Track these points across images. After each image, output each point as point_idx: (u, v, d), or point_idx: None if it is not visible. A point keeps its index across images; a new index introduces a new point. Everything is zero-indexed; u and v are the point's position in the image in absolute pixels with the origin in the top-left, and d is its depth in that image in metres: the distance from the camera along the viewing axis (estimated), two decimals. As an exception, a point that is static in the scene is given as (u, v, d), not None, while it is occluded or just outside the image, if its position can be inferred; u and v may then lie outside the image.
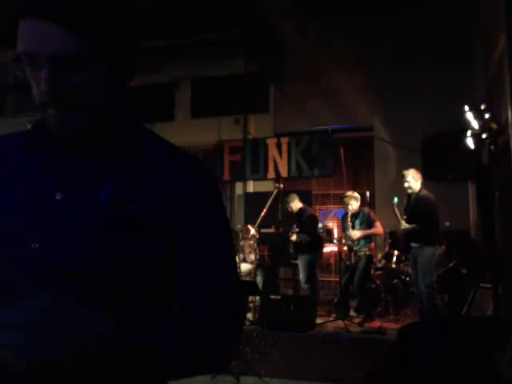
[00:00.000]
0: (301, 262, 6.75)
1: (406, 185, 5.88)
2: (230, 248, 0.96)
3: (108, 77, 0.86)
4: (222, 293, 0.90)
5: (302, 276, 6.76)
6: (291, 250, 6.96)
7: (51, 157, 0.89)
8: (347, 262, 6.41)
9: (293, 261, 7.29)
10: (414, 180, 5.84)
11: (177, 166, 0.92)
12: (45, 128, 0.89)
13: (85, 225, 0.83)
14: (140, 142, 0.93)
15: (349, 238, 6.37)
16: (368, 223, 6.38)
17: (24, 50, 0.82)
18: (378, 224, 6.42)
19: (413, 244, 5.76)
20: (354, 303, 6.66)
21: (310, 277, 6.69)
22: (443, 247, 6.46)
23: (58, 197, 0.85)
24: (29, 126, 0.94)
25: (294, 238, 6.68)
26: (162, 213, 0.87)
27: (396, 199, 6.00)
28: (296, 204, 6.87)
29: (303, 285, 6.73)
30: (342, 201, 6.69)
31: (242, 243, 7.02)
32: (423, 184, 5.91)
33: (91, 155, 0.89)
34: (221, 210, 0.96)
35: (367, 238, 6.41)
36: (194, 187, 0.91)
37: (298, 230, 6.73)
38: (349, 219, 6.43)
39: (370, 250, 6.40)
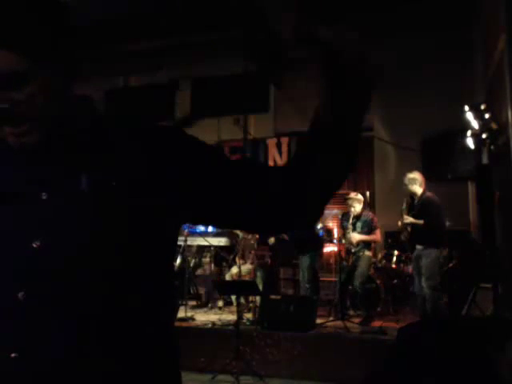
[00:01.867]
0: (302, 262, 6.74)
1: (409, 190, 5.83)
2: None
3: (53, 87, 0.87)
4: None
5: (303, 276, 6.75)
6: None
7: (23, 162, 0.91)
8: (343, 263, 6.40)
9: (294, 261, 7.29)
10: (414, 184, 5.77)
11: (143, 130, 0.94)
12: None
13: (77, 214, 0.85)
14: (108, 129, 0.95)
15: (348, 240, 6.36)
16: (369, 228, 6.35)
17: None
18: (377, 232, 6.40)
19: (417, 246, 5.74)
20: (353, 303, 6.65)
21: (312, 277, 6.69)
22: (447, 250, 6.43)
23: (44, 197, 0.86)
24: None
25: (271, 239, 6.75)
26: (151, 179, 0.88)
27: (404, 205, 5.97)
28: None
29: (304, 285, 6.73)
30: (345, 202, 6.66)
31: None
32: (425, 186, 5.85)
33: (62, 153, 0.90)
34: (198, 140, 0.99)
35: (366, 242, 6.38)
36: (168, 139, 0.94)
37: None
38: (350, 221, 6.40)
39: (369, 251, 6.38)
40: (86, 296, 0.82)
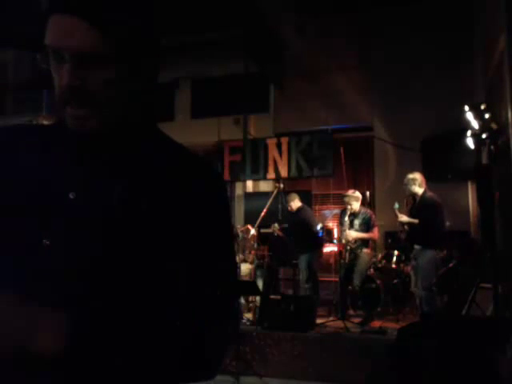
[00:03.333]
0: (301, 262, 6.75)
1: (409, 191, 5.81)
2: (231, 253, 0.98)
3: (130, 76, 0.86)
4: (217, 297, 0.90)
5: (302, 276, 6.76)
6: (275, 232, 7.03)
7: (65, 156, 0.90)
8: (341, 261, 6.40)
9: (294, 261, 7.28)
10: (413, 185, 5.76)
11: (189, 168, 0.93)
12: (60, 128, 0.90)
13: (97, 224, 0.84)
14: (153, 143, 0.94)
15: (344, 236, 6.36)
16: (367, 226, 6.35)
17: (50, 43, 0.83)
18: (375, 229, 6.40)
19: (415, 246, 5.73)
20: (353, 303, 6.65)
21: (311, 276, 6.69)
22: (445, 251, 6.42)
23: (71, 196, 0.86)
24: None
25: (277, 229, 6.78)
26: (173, 214, 0.88)
27: (397, 205, 5.95)
28: (296, 203, 6.87)
29: (303, 284, 6.73)
30: (342, 200, 6.66)
31: (241, 243, 7.03)
32: (427, 186, 5.83)
33: (104, 155, 0.90)
34: (227, 213, 0.97)
35: (365, 240, 6.38)
36: (206, 189, 0.92)
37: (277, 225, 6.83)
38: (346, 217, 6.40)
39: (367, 248, 6.38)
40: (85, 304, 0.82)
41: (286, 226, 6.88)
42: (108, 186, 0.86)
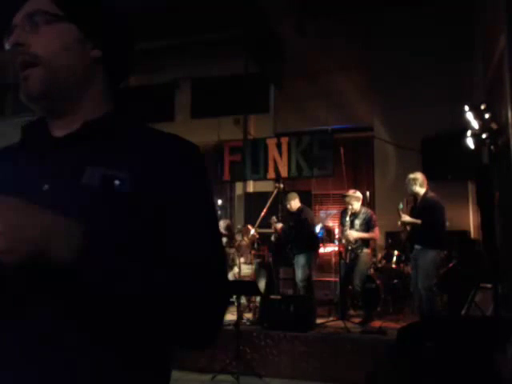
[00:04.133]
0: (298, 261, 6.73)
1: (410, 191, 5.80)
2: (214, 227, 0.95)
3: (77, 43, 0.91)
4: (202, 273, 0.87)
5: (298, 275, 6.75)
6: (272, 239, 6.96)
7: (39, 152, 0.92)
8: (342, 261, 6.39)
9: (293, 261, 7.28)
10: (416, 184, 5.74)
11: (163, 145, 0.93)
12: (33, 127, 0.95)
13: (71, 208, 0.84)
14: (127, 128, 0.95)
15: (345, 236, 6.35)
16: (368, 226, 6.34)
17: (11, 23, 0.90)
18: (376, 229, 6.38)
19: (416, 246, 5.73)
20: (353, 303, 6.66)
21: (306, 276, 6.71)
22: (445, 252, 6.40)
23: (45, 187, 0.87)
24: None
25: (279, 226, 6.73)
26: (148, 188, 0.87)
27: (401, 205, 5.94)
28: (296, 203, 6.86)
29: (298, 283, 6.74)
30: (343, 200, 6.65)
31: (241, 243, 7.02)
32: (428, 186, 5.82)
33: (77, 146, 0.91)
34: (206, 187, 0.96)
35: (365, 240, 6.37)
36: (181, 163, 0.92)
37: (278, 222, 6.80)
38: (347, 217, 6.39)
39: (368, 248, 6.38)
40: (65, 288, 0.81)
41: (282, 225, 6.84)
42: (80, 171, 0.87)
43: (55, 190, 0.87)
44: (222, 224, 7.68)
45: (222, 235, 0.95)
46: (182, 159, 0.92)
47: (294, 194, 6.91)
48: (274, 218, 6.91)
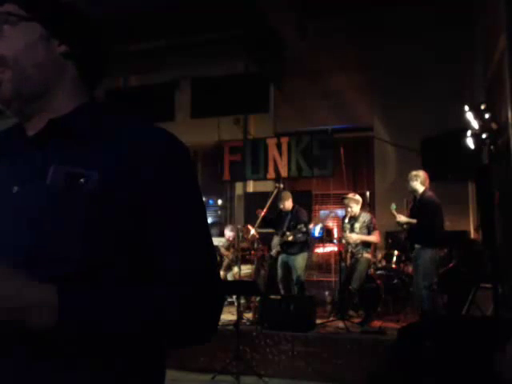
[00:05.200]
0: (293, 262, 6.71)
1: (410, 187, 5.81)
2: (202, 226, 0.93)
3: (43, 41, 0.91)
4: (188, 280, 0.86)
5: (295, 275, 6.74)
6: (278, 249, 6.86)
7: (12, 153, 0.93)
8: (342, 264, 6.39)
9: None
10: (415, 181, 5.75)
11: (142, 141, 0.89)
12: (10, 130, 0.96)
13: (37, 209, 0.84)
14: (101, 125, 0.92)
15: (345, 239, 6.34)
16: (368, 229, 6.33)
17: None
18: (376, 233, 6.36)
19: (416, 245, 5.73)
20: (353, 303, 6.65)
21: (300, 276, 6.71)
22: (445, 250, 6.41)
23: (14, 190, 0.87)
24: None
25: (291, 238, 6.62)
26: (121, 187, 0.85)
27: (394, 206, 5.94)
28: (289, 203, 6.83)
29: (294, 284, 6.73)
30: (342, 201, 6.64)
31: (241, 244, 7.01)
32: (429, 186, 5.82)
33: (45, 145, 0.90)
34: (191, 183, 0.93)
35: (366, 244, 6.36)
36: (161, 161, 0.88)
37: (287, 231, 6.70)
38: (346, 221, 6.40)
39: (368, 253, 6.36)
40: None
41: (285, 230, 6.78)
42: (45, 171, 0.86)
43: (24, 191, 0.86)
44: (229, 232, 7.68)
45: (210, 235, 0.92)
46: (164, 158, 0.89)
47: (288, 194, 6.89)
48: (259, 210, 6.86)
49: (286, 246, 6.65)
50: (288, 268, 6.66)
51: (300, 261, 6.62)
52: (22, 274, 0.77)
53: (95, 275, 0.83)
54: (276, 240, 6.80)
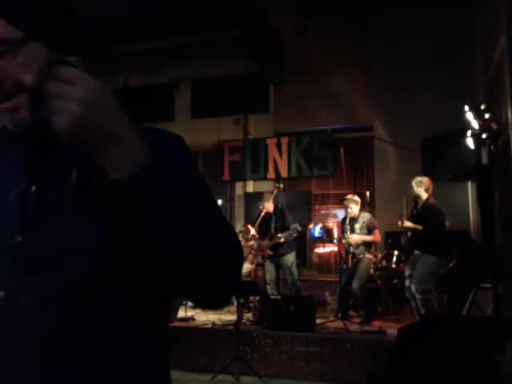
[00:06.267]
0: (286, 263, 6.70)
1: (414, 192, 5.80)
2: (214, 201, 0.95)
3: (46, 62, 0.84)
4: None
5: (289, 278, 6.75)
6: (270, 253, 6.81)
7: (18, 153, 0.89)
8: (344, 265, 6.39)
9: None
10: (420, 187, 5.75)
11: (150, 135, 0.87)
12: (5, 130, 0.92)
13: (65, 207, 0.83)
14: None
15: (346, 241, 6.34)
16: (368, 229, 6.33)
17: None
18: (376, 232, 6.37)
19: (416, 251, 5.73)
20: (353, 303, 6.65)
21: (294, 276, 6.73)
22: (444, 258, 6.38)
23: (32, 189, 0.85)
24: None
25: (282, 239, 6.61)
26: None
27: (404, 210, 5.93)
28: (270, 204, 6.81)
29: (292, 285, 6.74)
30: (342, 202, 6.65)
31: (241, 243, 7.01)
32: (432, 193, 5.83)
33: (54, 145, 0.87)
34: (196, 168, 0.94)
35: (367, 244, 6.36)
36: (169, 150, 0.88)
37: (275, 231, 6.67)
38: (347, 222, 6.40)
39: (369, 253, 6.36)
40: (60, 293, 0.80)
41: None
42: (65, 172, 0.84)
43: (42, 191, 0.85)
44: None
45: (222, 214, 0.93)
46: (166, 146, 0.89)
47: (268, 194, 6.88)
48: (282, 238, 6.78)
49: (275, 248, 6.65)
50: (278, 269, 6.69)
51: (291, 260, 6.63)
52: None
53: (123, 272, 0.82)
54: (266, 243, 6.77)
